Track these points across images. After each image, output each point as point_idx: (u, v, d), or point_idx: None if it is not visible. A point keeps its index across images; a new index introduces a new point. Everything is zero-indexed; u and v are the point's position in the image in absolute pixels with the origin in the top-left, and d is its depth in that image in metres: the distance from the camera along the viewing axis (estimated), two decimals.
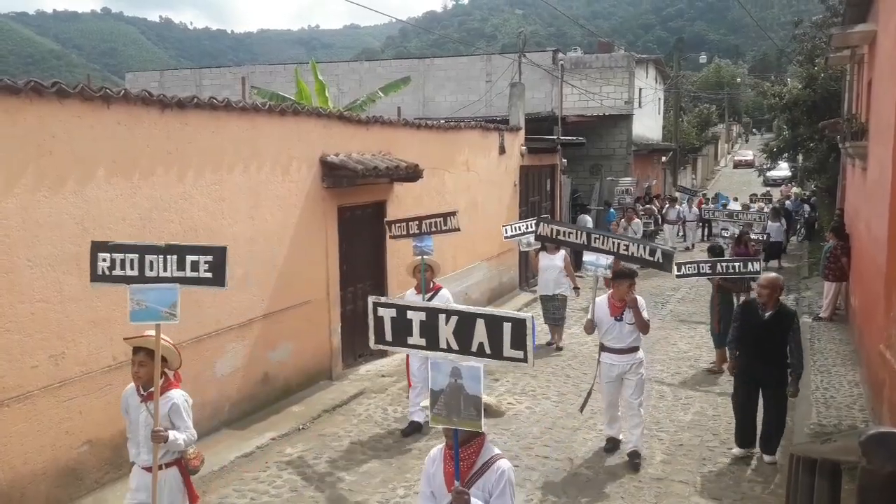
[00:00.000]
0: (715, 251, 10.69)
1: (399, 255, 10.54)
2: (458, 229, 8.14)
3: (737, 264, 9.16)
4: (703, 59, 64.83)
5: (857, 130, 10.99)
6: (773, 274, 6.62)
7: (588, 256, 7.15)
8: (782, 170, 43.99)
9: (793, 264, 19.86)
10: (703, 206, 21.41)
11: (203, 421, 7.27)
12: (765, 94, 29.48)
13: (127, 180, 6.33)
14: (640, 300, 6.87)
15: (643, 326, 6.83)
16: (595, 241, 7.09)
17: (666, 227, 23.19)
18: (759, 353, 6.66)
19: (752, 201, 24.32)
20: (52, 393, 5.74)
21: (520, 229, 10.88)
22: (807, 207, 25.28)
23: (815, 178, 25.85)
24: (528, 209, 16.24)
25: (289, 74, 17.85)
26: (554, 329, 11.18)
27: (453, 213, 8.10)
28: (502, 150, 14.29)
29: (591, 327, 6.96)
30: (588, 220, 18.76)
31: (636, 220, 17.12)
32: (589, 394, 7.26)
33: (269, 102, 9.54)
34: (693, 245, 22.81)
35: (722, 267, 9.16)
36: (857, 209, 12.19)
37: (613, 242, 7.06)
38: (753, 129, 79.49)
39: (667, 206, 23.91)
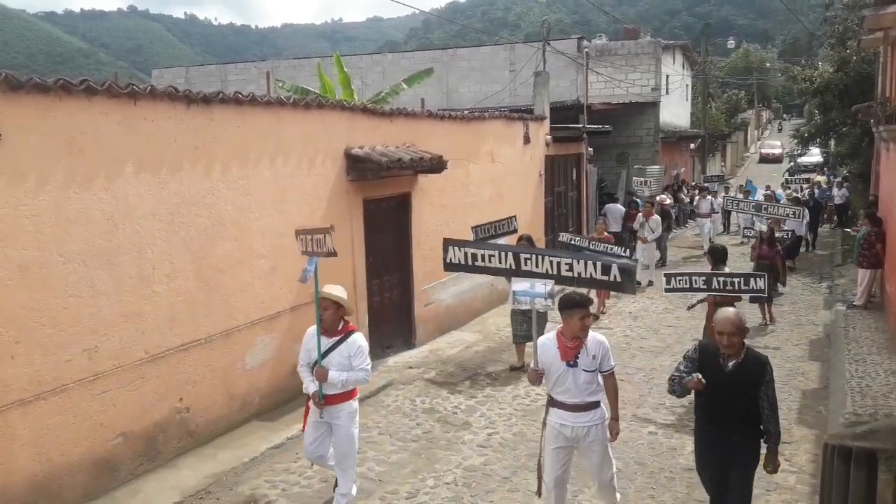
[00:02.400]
0: (716, 255, 8.88)
1: (424, 246, 10.56)
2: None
3: (736, 280, 7.82)
4: (731, 44, 63.88)
5: (892, 114, 10.76)
6: (732, 310, 4.75)
7: (518, 285, 5.51)
8: (814, 156, 43.17)
9: (825, 251, 19.50)
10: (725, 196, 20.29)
11: (233, 413, 7.38)
12: (795, 79, 28.94)
13: (155, 176, 6.40)
14: (602, 340, 5.18)
15: (612, 395, 5.30)
16: (526, 264, 5.60)
17: (700, 221, 20.86)
18: (721, 418, 4.82)
19: (784, 188, 23.43)
20: (87, 386, 5.84)
21: (490, 230, 10.17)
22: (836, 192, 23.74)
23: (847, 163, 25.38)
24: (554, 199, 16.16)
25: (313, 68, 17.91)
26: (520, 349, 9.45)
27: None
28: (527, 140, 14.21)
29: (536, 377, 5.18)
30: (620, 208, 18.50)
31: (654, 217, 15.48)
32: (541, 470, 5.46)
33: (293, 96, 9.60)
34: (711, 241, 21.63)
35: (718, 282, 7.79)
36: (892, 194, 11.93)
37: (551, 262, 5.51)
38: (784, 115, 78.05)
39: (697, 197, 22.12)
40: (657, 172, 22.26)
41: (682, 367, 4.98)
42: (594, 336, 5.15)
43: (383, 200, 9.77)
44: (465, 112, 12.70)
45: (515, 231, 10.17)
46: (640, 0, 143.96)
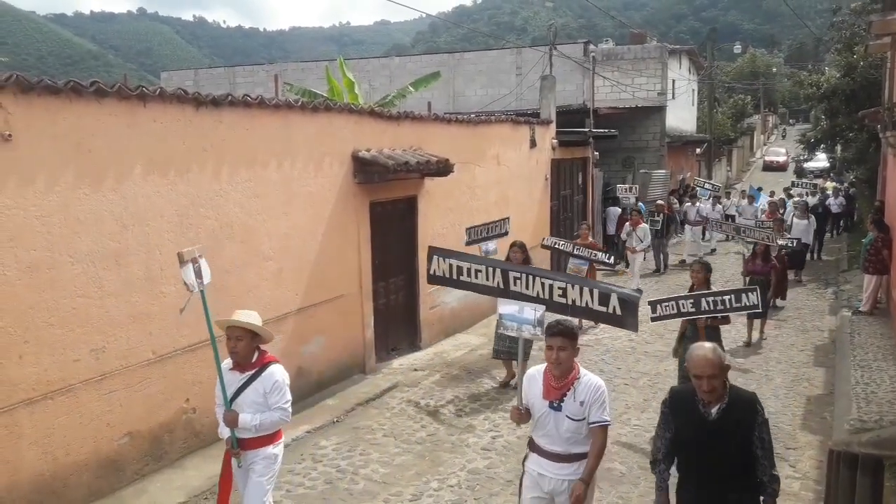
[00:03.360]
0: (706, 271, 8.22)
1: None
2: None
3: (727, 297, 7.06)
4: (737, 48, 63.69)
5: None
6: (708, 346, 3.89)
7: (505, 307, 4.86)
8: (820, 161, 43.05)
9: (831, 257, 19.43)
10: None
11: None
12: (801, 84, 28.82)
13: (163, 177, 6.44)
14: (597, 386, 4.28)
15: (597, 454, 4.25)
16: (515, 284, 4.90)
17: (687, 228, 19.93)
18: (711, 477, 3.93)
19: (788, 196, 22.89)
20: (94, 386, 5.87)
21: (483, 232, 9.95)
22: (832, 201, 22.53)
23: (854, 168, 25.28)
24: (560, 203, 16.17)
25: (321, 71, 17.98)
26: (507, 365, 8.90)
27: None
28: (533, 144, 14.23)
29: (517, 415, 4.49)
30: (617, 210, 18.58)
31: (642, 225, 14.80)
32: None
33: (301, 99, 9.64)
34: (713, 250, 20.31)
35: (708, 303, 7.08)
36: None
37: (542, 284, 4.78)
38: (791, 120, 77.84)
39: (686, 203, 20.91)
40: (663, 177, 22.24)
41: (661, 439, 4.06)
42: (590, 380, 4.29)
43: (390, 203, 9.80)
44: (472, 115, 12.73)
45: (507, 234, 9.84)
46: (646, 4, 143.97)
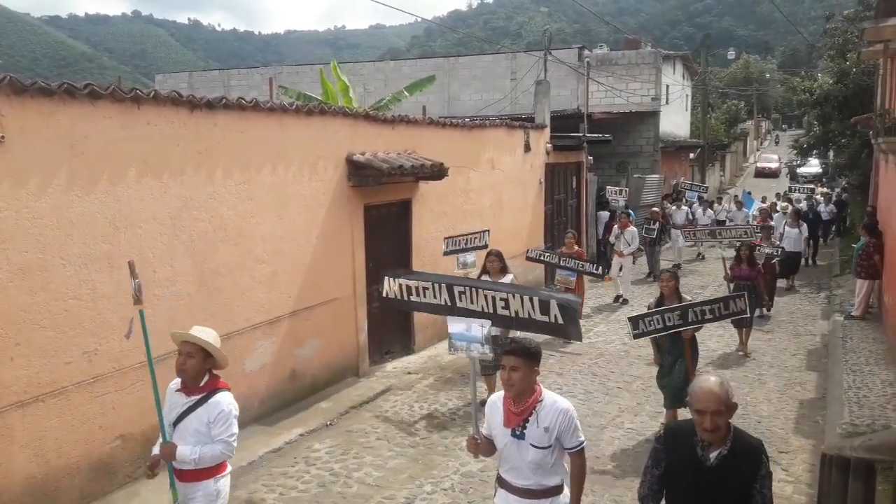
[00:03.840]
0: (678, 278, 7.73)
1: (424, 253, 10.58)
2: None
3: (715, 306, 6.76)
4: (731, 54, 63.99)
5: (891, 126, 10.81)
6: (714, 380, 3.38)
7: (454, 326, 4.50)
8: (813, 166, 43.26)
9: (824, 262, 19.52)
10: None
11: None
12: (795, 90, 29.03)
13: (157, 180, 6.42)
14: (564, 409, 3.84)
15: (578, 482, 3.97)
16: (461, 299, 4.69)
17: (674, 233, 18.27)
18: None
19: (780, 199, 22.78)
20: (86, 388, 5.85)
21: (461, 243, 9.58)
22: (823, 208, 22.12)
23: (846, 174, 25.41)
24: (554, 207, 16.20)
25: (315, 75, 17.97)
26: (490, 381, 8.20)
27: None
28: (527, 148, 14.26)
29: (474, 446, 4.10)
30: (605, 215, 18.56)
31: (631, 228, 14.42)
32: None
33: (296, 102, 9.64)
34: (699, 254, 19.99)
35: (696, 313, 6.74)
36: (891, 206, 11.97)
37: (486, 298, 4.54)
38: (784, 126, 78.20)
39: (673, 207, 20.44)
40: (656, 181, 22.30)
41: (649, 474, 3.61)
42: (555, 403, 3.84)
43: (384, 206, 9.80)
44: (467, 120, 12.76)
45: (486, 247, 9.20)
46: (640, 11, 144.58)
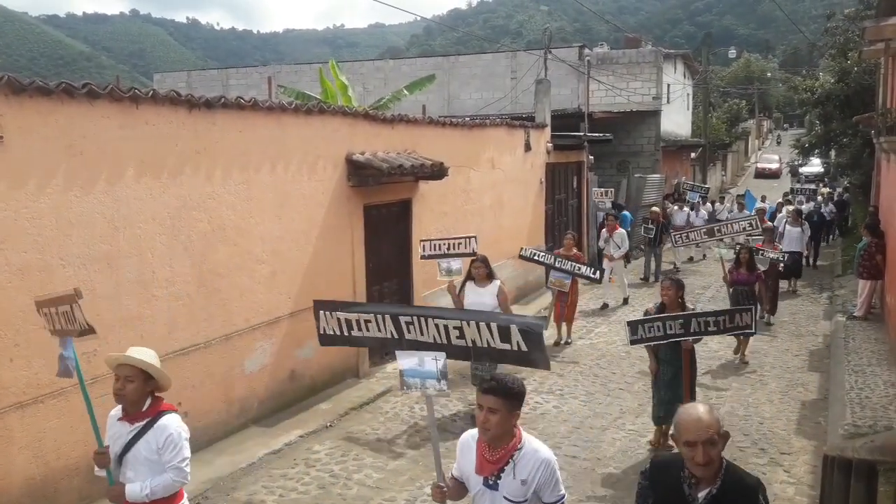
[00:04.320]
0: (680, 285, 7.16)
1: None
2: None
3: (721, 318, 6.38)
4: (732, 53, 63.91)
5: (892, 125, 10.78)
6: (702, 407, 3.05)
7: (405, 361, 4.03)
8: (814, 166, 43.24)
9: (826, 262, 19.48)
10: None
11: (232, 418, 7.36)
12: (796, 89, 29.01)
13: (156, 179, 6.39)
14: (545, 460, 3.36)
15: None
16: (409, 331, 4.26)
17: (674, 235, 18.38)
18: None
19: (787, 201, 21.93)
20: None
21: (440, 248, 8.55)
22: (830, 207, 22.14)
23: (848, 174, 25.39)
24: (555, 207, 16.17)
25: (314, 73, 17.95)
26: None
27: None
28: (528, 148, 14.22)
29: (441, 494, 3.63)
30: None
31: (619, 230, 14.00)
32: None
33: (295, 102, 9.60)
34: (690, 258, 19.40)
35: (699, 323, 6.36)
36: (892, 205, 11.94)
37: (437, 327, 4.16)
38: (785, 125, 78.17)
39: (674, 208, 20.02)
40: (658, 181, 22.26)
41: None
42: (535, 451, 3.36)
43: (384, 206, 9.77)
44: (467, 119, 12.73)
45: (474, 254, 8.21)
46: (641, 9, 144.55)
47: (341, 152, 8.79)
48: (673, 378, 6.86)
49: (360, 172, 8.89)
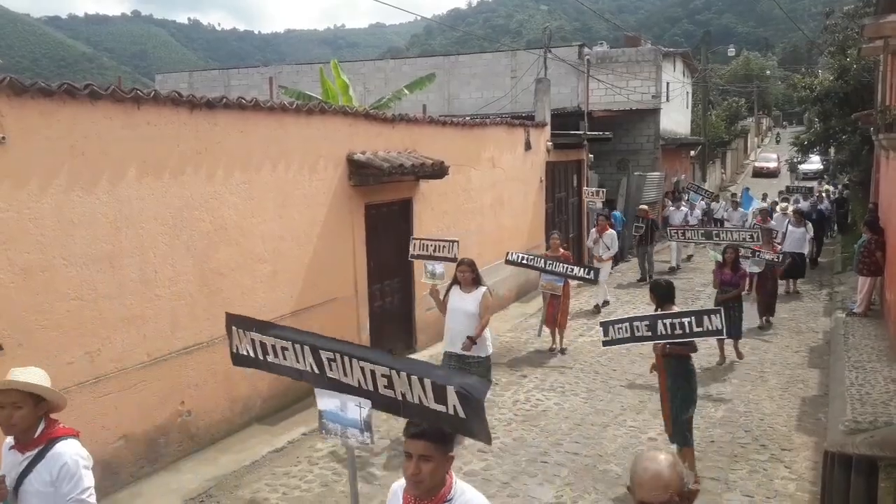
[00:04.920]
0: (658, 291, 6.55)
1: None
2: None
3: (687, 320, 5.84)
4: (731, 51, 63.88)
5: (891, 122, 10.78)
6: (663, 459, 2.44)
7: (325, 401, 3.75)
8: (813, 163, 43.21)
9: (825, 259, 19.48)
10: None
11: (234, 417, 7.39)
12: (795, 87, 28.96)
13: (158, 180, 6.42)
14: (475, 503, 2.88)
15: None
16: (331, 368, 3.74)
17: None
18: None
19: (783, 199, 21.83)
20: (88, 389, 5.85)
21: (427, 249, 8.15)
22: (826, 205, 21.78)
23: (847, 171, 25.36)
24: (555, 205, 16.19)
25: (315, 74, 17.96)
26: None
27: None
28: (528, 147, 14.25)
29: None
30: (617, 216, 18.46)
31: (609, 231, 13.54)
32: None
33: (296, 102, 9.63)
34: (689, 256, 19.03)
35: (665, 325, 5.90)
36: (892, 202, 11.96)
37: (364, 371, 3.61)
38: (784, 123, 78.13)
39: (670, 207, 19.58)
40: (657, 179, 22.28)
41: None
42: (468, 503, 2.87)
43: (385, 205, 9.79)
44: (467, 118, 12.75)
45: (455, 259, 7.78)
46: (640, 8, 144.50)
47: (342, 152, 8.82)
48: (677, 392, 6.28)
49: (360, 172, 8.92)
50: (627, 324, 6.15)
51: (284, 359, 3.98)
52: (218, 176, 7.07)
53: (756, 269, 11.51)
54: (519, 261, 10.22)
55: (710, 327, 5.78)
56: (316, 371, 3.81)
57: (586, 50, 22.72)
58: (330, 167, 8.63)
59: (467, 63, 23.57)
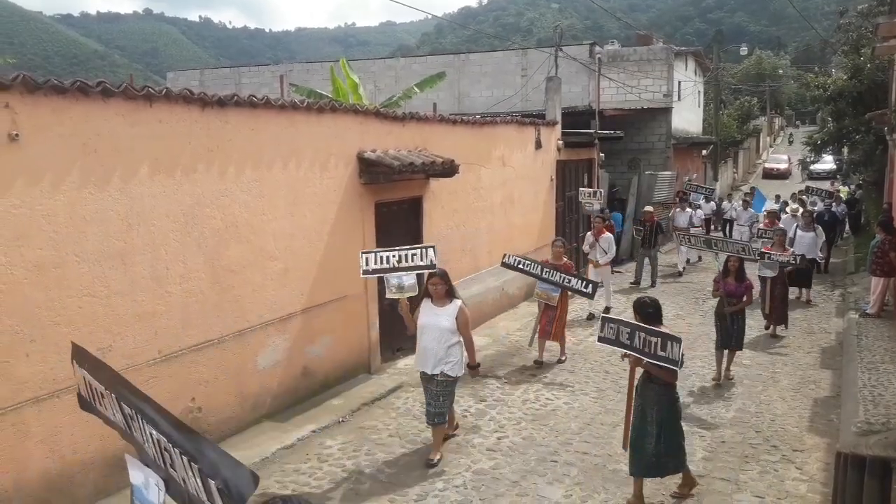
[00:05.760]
0: (642, 311, 5.95)
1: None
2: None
3: (654, 341, 5.54)
4: (743, 50, 63.57)
5: None
6: None
7: (134, 472, 3.09)
8: (826, 163, 42.92)
9: (838, 259, 19.33)
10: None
11: (245, 413, 7.41)
12: (808, 86, 28.83)
13: (169, 177, 6.45)
14: None
15: None
16: (135, 430, 3.01)
17: (676, 237, 16.19)
18: None
19: (794, 200, 21.24)
20: None
21: (387, 262, 6.93)
22: (836, 208, 20.90)
23: (861, 171, 25.19)
24: (566, 204, 16.14)
25: (326, 72, 18.00)
26: (435, 432, 6.86)
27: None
28: (538, 145, 14.21)
29: None
30: (618, 217, 18.31)
31: (606, 234, 12.76)
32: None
33: (306, 100, 9.63)
34: (699, 258, 17.93)
35: (639, 338, 5.63)
36: None
37: (153, 438, 2.82)
38: (797, 122, 77.64)
39: (675, 209, 18.49)
40: (669, 178, 22.19)
41: None
42: None
43: (395, 204, 9.80)
44: (477, 116, 12.72)
45: (432, 267, 6.80)
46: (652, 6, 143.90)
47: (352, 150, 8.82)
48: (644, 414, 5.83)
49: (371, 170, 8.92)
50: (615, 325, 5.88)
51: (105, 406, 3.22)
52: (229, 173, 7.09)
53: (769, 273, 11.17)
54: (515, 265, 9.76)
55: (668, 354, 5.46)
56: (127, 429, 3.03)
57: (597, 48, 22.64)
58: (340, 165, 8.64)
59: (478, 61, 23.54)
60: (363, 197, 9.05)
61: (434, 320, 6.60)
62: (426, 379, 6.78)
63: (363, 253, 7.08)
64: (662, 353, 5.48)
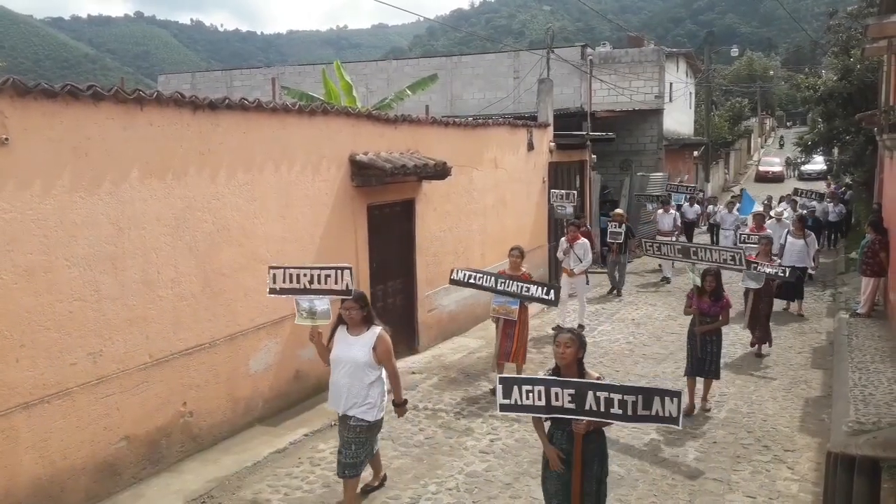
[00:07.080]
0: (580, 344, 4.78)
1: (427, 252, 10.59)
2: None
3: (636, 399, 4.35)
4: (734, 51, 63.83)
5: (895, 122, 10.76)
6: None
7: None
8: (817, 163, 43.19)
9: (829, 259, 19.43)
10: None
11: (236, 417, 7.40)
12: (798, 87, 28.92)
13: (160, 181, 6.43)
14: None
15: None
16: None
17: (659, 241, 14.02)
18: None
19: (789, 201, 20.95)
20: (91, 390, 5.85)
21: (297, 280, 5.78)
22: (831, 209, 20.55)
23: (851, 171, 25.30)
24: None
25: (318, 75, 17.98)
26: (347, 486, 5.77)
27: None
28: (531, 147, 14.24)
29: None
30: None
31: (581, 241, 11.87)
32: None
33: (298, 103, 9.63)
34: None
35: (597, 401, 4.39)
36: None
37: None
38: (787, 123, 78.02)
39: (659, 210, 17.46)
40: (660, 179, 22.25)
41: None
42: None
43: (387, 206, 9.80)
44: (470, 119, 12.75)
45: (348, 293, 5.58)
46: (643, 8, 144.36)
47: (345, 153, 8.82)
48: (569, 467, 4.66)
49: (363, 172, 8.92)
50: (542, 388, 4.46)
51: None
52: (220, 177, 7.07)
53: (753, 285, 10.11)
54: (466, 280, 8.68)
55: (661, 413, 4.35)
56: None
57: (589, 50, 22.72)
58: (332, 168, 8.64)
59: (470, 64, 23.58)
60: (355, 199, 9.04)
61: (347, 352, 5.56)
62: (340, 420, 5.77)
63: (271, 268, 5.95)
64: (647, 412, 4.38)
